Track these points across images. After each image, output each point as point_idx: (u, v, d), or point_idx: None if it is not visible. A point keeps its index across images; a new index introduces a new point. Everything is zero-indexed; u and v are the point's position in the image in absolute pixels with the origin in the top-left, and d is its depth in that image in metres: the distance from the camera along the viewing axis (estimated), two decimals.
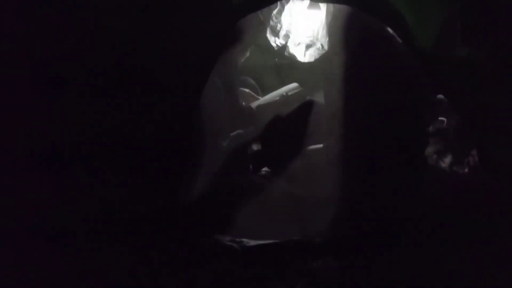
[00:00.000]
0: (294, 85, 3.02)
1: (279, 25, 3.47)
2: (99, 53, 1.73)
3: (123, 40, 1.77)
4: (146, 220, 1.81)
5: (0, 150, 1.62)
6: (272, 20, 3.44)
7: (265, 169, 2.61)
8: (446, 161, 2.50)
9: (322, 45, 3.36)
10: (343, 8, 2.69)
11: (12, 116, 1.56)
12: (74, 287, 1.61)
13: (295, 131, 2.46)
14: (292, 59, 3.45)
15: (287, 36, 3.48)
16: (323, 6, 3.33)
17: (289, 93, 2.94)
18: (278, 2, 3.27)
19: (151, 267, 1.74)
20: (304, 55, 3.44)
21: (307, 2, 3.34)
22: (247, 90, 3.13)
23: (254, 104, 2.95)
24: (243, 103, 2.95)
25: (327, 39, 3.23)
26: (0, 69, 1.58)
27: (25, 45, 1.57)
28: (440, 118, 2.64)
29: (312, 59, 3.35)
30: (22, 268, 1.60)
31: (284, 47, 3.50)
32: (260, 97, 3.09)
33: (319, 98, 2.86)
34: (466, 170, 2.37)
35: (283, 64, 3.48)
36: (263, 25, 3.37)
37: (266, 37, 3.42)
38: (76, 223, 1.69)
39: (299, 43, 3.48)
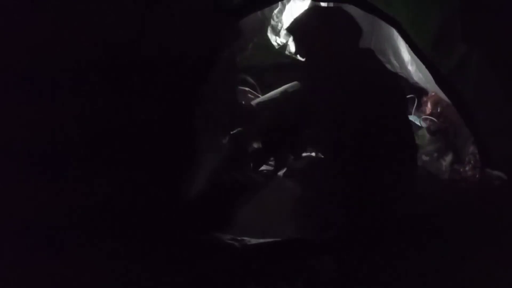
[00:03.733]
0: (294, 83, 3.02)
1: (280, 25, 3.47)
2: (100, 51, 1.73)
3: (124, 39, 1.77)
4: (145, 218, 1.81)
5: None
6: (273, 20, 3.45)
7: (265, 167, 2.61)
8: (447, 159, 2.50)
9: None
10: (344, 7, 2.70)
11: (10, 114, 1.55)
12: (71, 286, 1.61)
13: (295, 130, 2.45)
14: (293, 58, 3.46)
15: (288, 35, 3.49)
16: (324, 6, 3.33)
17: (289, 91, 2.94)
18: (279, 2, 3.27)
19: (149, 266, 1.73)
20: None
21: (308, 2, 3.35)
22: (247, 89, 3.13)
23: (254, 103, 2.95)
24: (243, 102, 2.95)
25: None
26: None
27: (20, 42, 1.56)
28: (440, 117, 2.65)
29: None
30: (18, 268, 1.59)
31: (284, 46, 3.50)
32: (260, 96, 3.09)
33: (319, 96, 2.85)
34: (467, 168, 2.37)
35: (284, 63, 3.48)
36: (264, 24, 3.38)
37: (267, 36, 3.43)
38: (72, 221, 1.69)
39: None
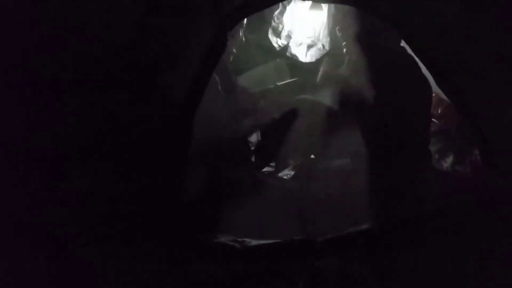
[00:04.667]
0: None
1: (280, 26, 3.49)
2: (101, 52, 1.74)
3: (124, 39, 1.77)
4: (146, 219, 1.81)
5: None
6: (274, 21, 3.46)
7: (267, 167, 2.61)
8: (448, 161, 2.50)
9: (323, 45, 3.38)
10: (345, 8, 2.70)
11: (10, 114, 1.55)
12: (71, 286, 1.61)
13: (297, 130, 2.46)
14: (294, 59, 3.47)
15: (289, 37, 3.50)
16: (324, 7, 3.35)
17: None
18: (280, 3, 3.29)
19: (150, 267, 1.73)
20: (305, 55, 3.46)
21: (309, 3, 3.36)
22: (248, 89, 3.14)
23: (255, 103, 2.96)
24: (244, 103, 2.95)
25: (328, 39, 3.26)
26: None
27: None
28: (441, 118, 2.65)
29: (313, 59, 3.37)
30: (18, 268, 1.59)
31: (285, 47, 3.51)
32: (261, 97, 3.10)
33: (321, 98, 2.86)
34: (469, 169, 2.37)
35: (285, 65, 3.49)
36: (265, 25, 3.39)
37: (268, 38, 3.44)
38: (72, 222, 1.69)
39: (300, 44, 3.49)
